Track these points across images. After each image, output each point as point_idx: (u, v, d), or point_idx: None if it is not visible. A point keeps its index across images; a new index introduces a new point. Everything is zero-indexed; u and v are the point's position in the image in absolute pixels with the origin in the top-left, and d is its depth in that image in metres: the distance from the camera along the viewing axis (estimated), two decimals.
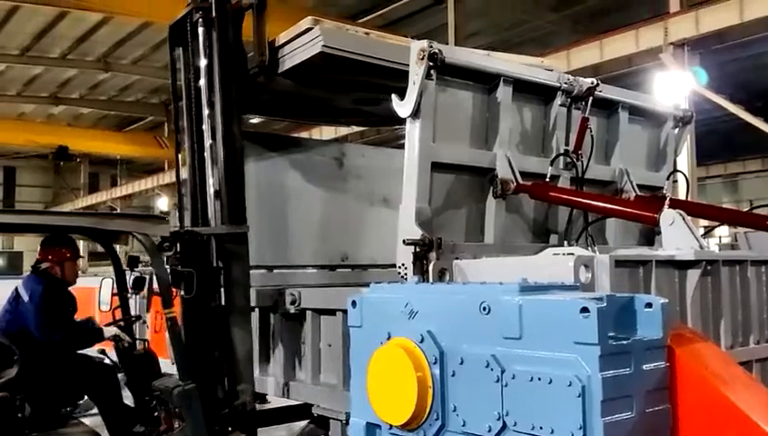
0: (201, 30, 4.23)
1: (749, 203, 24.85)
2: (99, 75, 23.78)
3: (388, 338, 2.65)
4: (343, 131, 17.95)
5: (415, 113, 3.51)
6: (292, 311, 4.30)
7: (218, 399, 4.06)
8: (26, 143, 28.99)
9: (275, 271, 5.78)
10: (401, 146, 3.71)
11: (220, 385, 4.11)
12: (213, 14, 4.21)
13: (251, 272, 5.57)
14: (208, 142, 4.23)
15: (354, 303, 2.88)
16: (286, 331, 4.45)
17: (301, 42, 4.30)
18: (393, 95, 3.62)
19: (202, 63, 4.25)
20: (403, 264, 3.41)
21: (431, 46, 3.47)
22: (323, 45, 4.11)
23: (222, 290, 4.16)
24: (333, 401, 3.99)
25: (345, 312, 3.11)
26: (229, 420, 4.02)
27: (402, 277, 3.40)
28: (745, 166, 27.19)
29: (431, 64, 3.47)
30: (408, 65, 4.29)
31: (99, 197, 32.76)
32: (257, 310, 4.63)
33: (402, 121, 5.43)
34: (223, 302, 4.15)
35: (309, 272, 6.00)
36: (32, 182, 37.14)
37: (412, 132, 3.56)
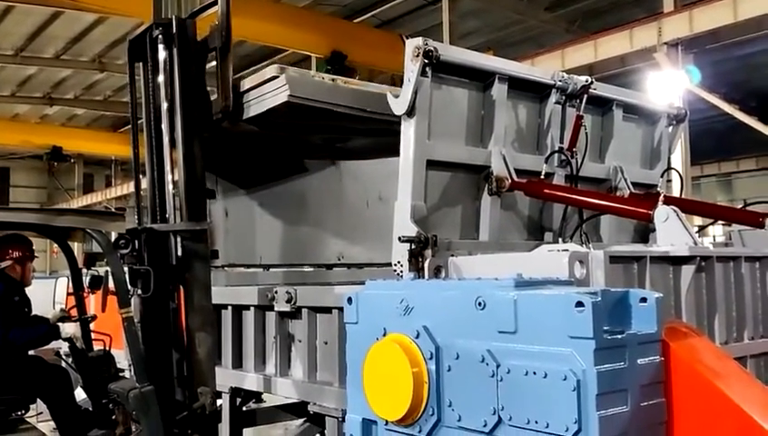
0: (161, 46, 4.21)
1: (743, 202, 24.86)
2: (94, 76, 23.71)
3: (384, 334, 2.66)
4: None
5: (410, 111, 3.51)
6: (288, 309, 4.30)
7: (176, 401, 3.99)
8: (21, 143, 28.89)
9: (271, 269, 5.80)
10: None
11: (179, 387, 4.03)
12: (174, 30, 4.18)
13: (252, 270, 5.59)
14: (166, 137, 4.17)
15: (350, 300, 2.89)
16: (282, 329, 4.45)
17: (267, 89, 4.30)
18: (388, 93, 3.63)
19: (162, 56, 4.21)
20: (399, 262, 3.41)
21: (426, 44, 3.47)
22: (289, 95, 4.12)
23: (183, 289, 4.07)
24: (329, 398, 3.99)
25: (341, 309, 3.12)
26: (188, 423, 3.95)
27: (398, 274, 3.40)
28: (739, 166, 27.31)
29: (426, 61, 3.47)
30: (374, 112, 4.35)
31: (94, 198, 32.64)
32: (252, 308, 4.64)
33: (371, 154, 5.56)
34: (183, 302, 4.07)
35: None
36: (26, 182, 37.00)
37: (407, 129, 3.56)
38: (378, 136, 4.62)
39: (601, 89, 4.48)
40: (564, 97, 4.26)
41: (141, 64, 4.41)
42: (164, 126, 4.18)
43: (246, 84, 4.48)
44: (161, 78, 4.20)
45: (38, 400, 4.64)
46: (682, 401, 2.26)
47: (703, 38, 12.66)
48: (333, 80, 4.57)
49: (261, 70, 4.45)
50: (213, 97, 4.44)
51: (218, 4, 4.24)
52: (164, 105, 4.19)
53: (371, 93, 4.54)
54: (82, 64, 22.62)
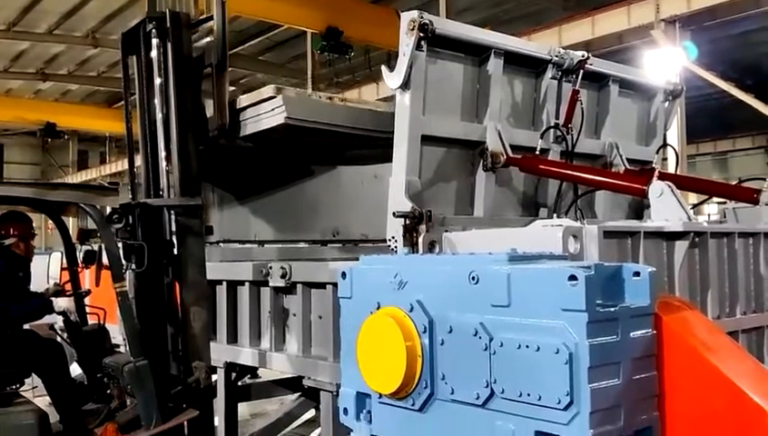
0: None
1: (738, 180, 24.86)
2: (87, 51, 23.46)
3: (378, 308, 2.66)
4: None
5: (405, 85, 3.49)
6: (283, 284, 4.30)
7: (171, 376, 4.02)
8: (14, 119, 28.61)
9: (266, 245, 5.80)
10: None
11: (173, 362, 4.06)
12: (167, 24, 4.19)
13: (247, 245, 5.60)
14: (160, 114, 4.17)
15: (344, 275, 2.89)
16: (276, 304, 4.46)
17: (264, 109, 4.36)
18: (383, 67, 3.61)
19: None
20: (393, 237, 3.41)
21: (422, 17, 3.44)
22: (286, 117, 4.19)
23: (177, 264, 4.11)
24: (324, 372, 4.01)
25: (335, 285, 3.12)
26: (182, 397, 3.99)
27: (392, 249, 3.40)
28: (735, 144, 27.28)
29: (421, 34, 3.44)
30: (371, 130, 4.46)
31: (88, 174, 32.49)
32: (247, 284, 4.65)
33: (367, 161, 5.65)
34: (177, 277, 4.10)
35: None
36: (20, 159, 36.76)
37: (402, 104, 3.54)
38: (373, 148, 4.69)
39: (597, 64, 4.46)
40: (560, 73, 4.24)
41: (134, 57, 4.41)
42: (158, 106, 4.19)
43: (242, 101, 4.56)
44: (154, 64, 4.20)
45: (33, 374, 4.65)
46: (674, 374, 2.27)
47: (700, 15, 12.58)
48: (330, 98, 4.64)
49: (258, 90, 4.53)
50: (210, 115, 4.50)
51: (214, 20, 4.26)
52: (157, 80, 4.19)
53: (368, 110, 4.65)
54: (75, 40, 22.36)
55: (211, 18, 4.38)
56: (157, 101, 4.21)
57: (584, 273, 2.09)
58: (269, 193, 5.74)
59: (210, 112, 4.57)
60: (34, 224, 5.13)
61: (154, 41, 4.19)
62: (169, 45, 4.18)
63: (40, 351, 4.54)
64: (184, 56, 4.23)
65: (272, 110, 4.30)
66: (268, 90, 4.40)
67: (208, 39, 4.58)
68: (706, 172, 27.59)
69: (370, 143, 4.62)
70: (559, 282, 2.13)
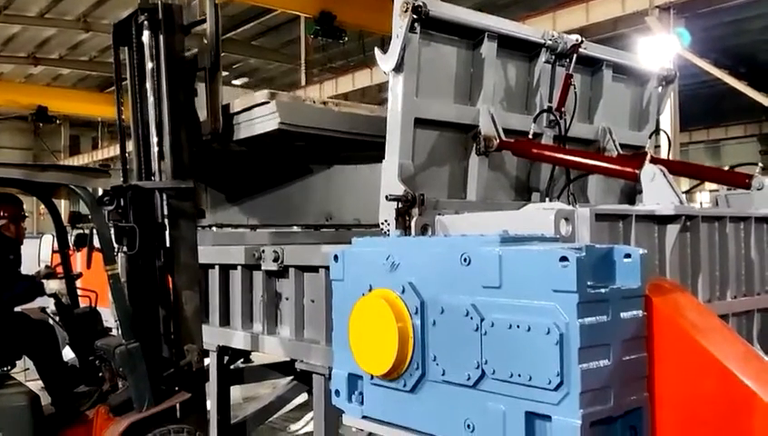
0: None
1: (729, 167, 24.85)
2: (79, 35, 23.29)
3: (370, 290, 2.67)
4: (328, 91, 17.81)
5: (398, 67, 3.47)
6: (275, 268, 4.30)
7: (163, 358, 4.03)
8: (5, 103, 28.40)
9: (258, 230, 5.79)
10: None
11: (165, 345, 4.07)
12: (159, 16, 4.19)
13: (239, 230, 5.60)
14: (151, 103, 4.17)
15: (336, 258, 2.89)
16: (269, 288, 4.46)
17: (257, 114, 4.41)
18: (376, 49, 3.59)
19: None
20: (386, 220, 3.41)
21: None
22: (280, 122, 4.24)
23: (168, 247, 4.12)
24: (316, 356, 4.02)
25: (327, 268, 3.13)
26: (174, 380, 4.00)
27: (385, 233, 3.40)
28: (727, 132, 27.30)
29: (415, 17, 3.42)
30: (364, 135, 4.50)
31: (80, 160, 32.35)
32: (239, 267, 4.65)
33: (360, 161, 5.66)
34: (169, 260, 4.11)
35: None
36: (11, 144, 36.49)
37: (395, 86, 3.52)
38: (366, 150, 4.70)
39: (591, 49, 4.44)
40: (553, 56, 4.23)
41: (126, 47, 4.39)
42: (150, 95, 4.18)
43: (236, 105, 4.57)
44: (146, 55, 4.19)
45: (25, 357, 4.64)
46: (664, 355, 2.29)
47: (694, 2, 12.56)
48: (325, 103, 4.65)
49: (252, 93, 4.58)
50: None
51: (207, 22, 4.23)
52: (149, 70, 4.19)
53: (361, 115, 4.68)
54: (66, 24, 22.18)
55: (204, 21, 4.36)
56: (149, 90, 4.20)
57: (575, 255, 2.09)
58: (262, 183, 5.74)
59: (203, 116, 4.58)
60: (25, 208, 5.10)
61: (146, 32, 4.18)
62: (161, 37, 4.17)
63: (31, 333, 4.52)
64: (176, 48, 4.22)
65: (266, 115, 4.34)
66: (261, 95, 4.42)
67: (201, 26, 4.54)
68: (699, 160, 27.60)
69: (364, 147, 4.64)
70: (550, 263, 2.13)
